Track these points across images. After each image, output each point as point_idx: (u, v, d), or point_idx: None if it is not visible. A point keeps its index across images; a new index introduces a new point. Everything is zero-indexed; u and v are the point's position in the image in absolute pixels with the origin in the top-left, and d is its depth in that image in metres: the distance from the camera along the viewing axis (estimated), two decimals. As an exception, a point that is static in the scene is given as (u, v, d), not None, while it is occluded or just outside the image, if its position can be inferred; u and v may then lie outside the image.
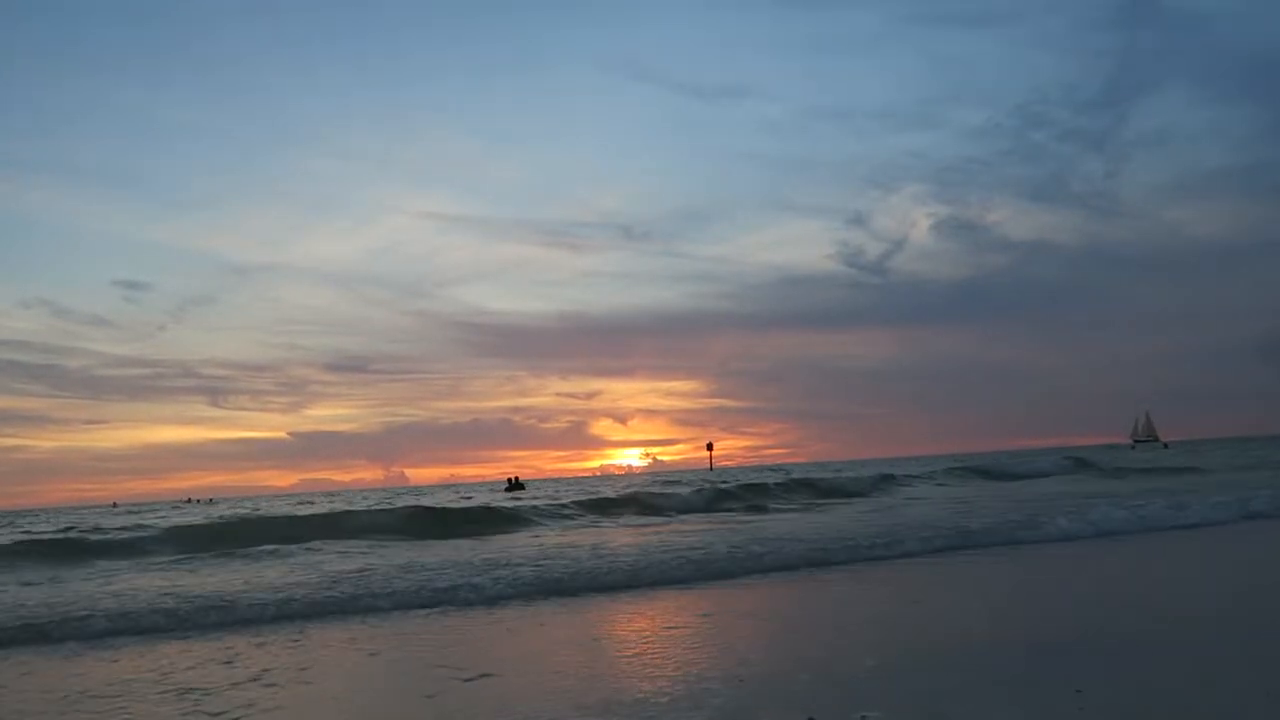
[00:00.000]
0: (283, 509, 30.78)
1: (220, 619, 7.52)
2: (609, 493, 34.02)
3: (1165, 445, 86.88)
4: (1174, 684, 4.10)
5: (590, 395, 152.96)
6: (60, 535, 19.02)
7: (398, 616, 7.40)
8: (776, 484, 28.21)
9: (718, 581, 8.51)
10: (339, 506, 28.65)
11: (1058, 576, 8.12)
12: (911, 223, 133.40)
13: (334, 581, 9.27)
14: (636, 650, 5.46)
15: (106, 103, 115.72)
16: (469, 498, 35.12)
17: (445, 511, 20.68)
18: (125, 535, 17.53)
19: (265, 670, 5.49)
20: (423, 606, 7.79)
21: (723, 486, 26.71)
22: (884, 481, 29.17)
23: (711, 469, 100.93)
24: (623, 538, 13.84)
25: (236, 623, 7.40)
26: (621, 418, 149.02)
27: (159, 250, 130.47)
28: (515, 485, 48.98)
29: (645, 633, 6.06)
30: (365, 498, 50.76)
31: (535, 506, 21.87)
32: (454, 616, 7.29)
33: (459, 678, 5.00)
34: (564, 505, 22.34)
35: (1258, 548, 9.70)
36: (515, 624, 6.73)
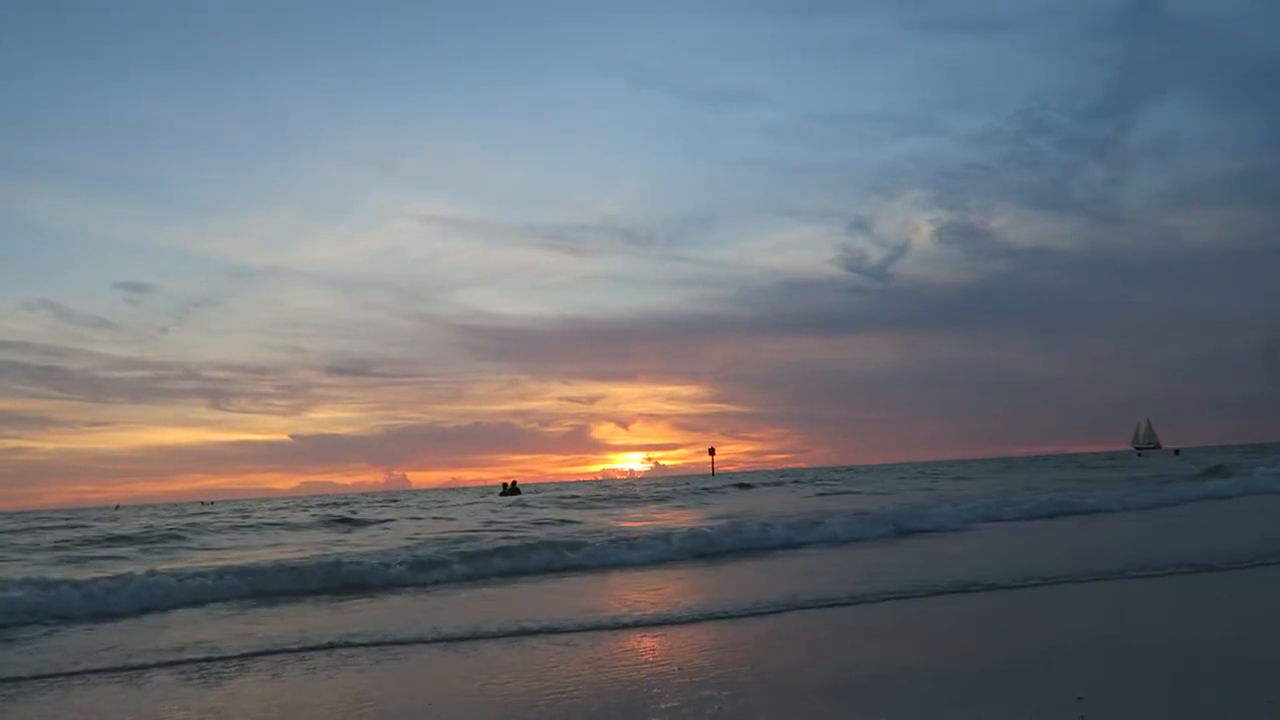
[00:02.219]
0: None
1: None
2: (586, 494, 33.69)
3: (1176, 452, 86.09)
4: (1175, 689, 4.01)
5: (592, 399, 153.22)
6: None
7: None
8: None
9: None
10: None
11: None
12: (913, 228, 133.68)
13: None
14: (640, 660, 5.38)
15: (111, 108, 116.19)
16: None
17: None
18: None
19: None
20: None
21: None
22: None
23: (714, 474, 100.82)
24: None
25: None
26: (623, 422, 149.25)
27: (162, 253, 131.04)
28: (511, 490, 48.74)
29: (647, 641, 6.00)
30: (351, 501, 50.48)
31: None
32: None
33: (454, 689, 4.92)
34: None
35: None
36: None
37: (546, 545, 11.59)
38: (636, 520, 19.74)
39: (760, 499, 29.29)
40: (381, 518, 25.61)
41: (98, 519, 38.11)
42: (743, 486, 43.51)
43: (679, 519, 19.59)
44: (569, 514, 23.15)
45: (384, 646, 6.06)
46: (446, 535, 16.01)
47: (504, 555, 10.93)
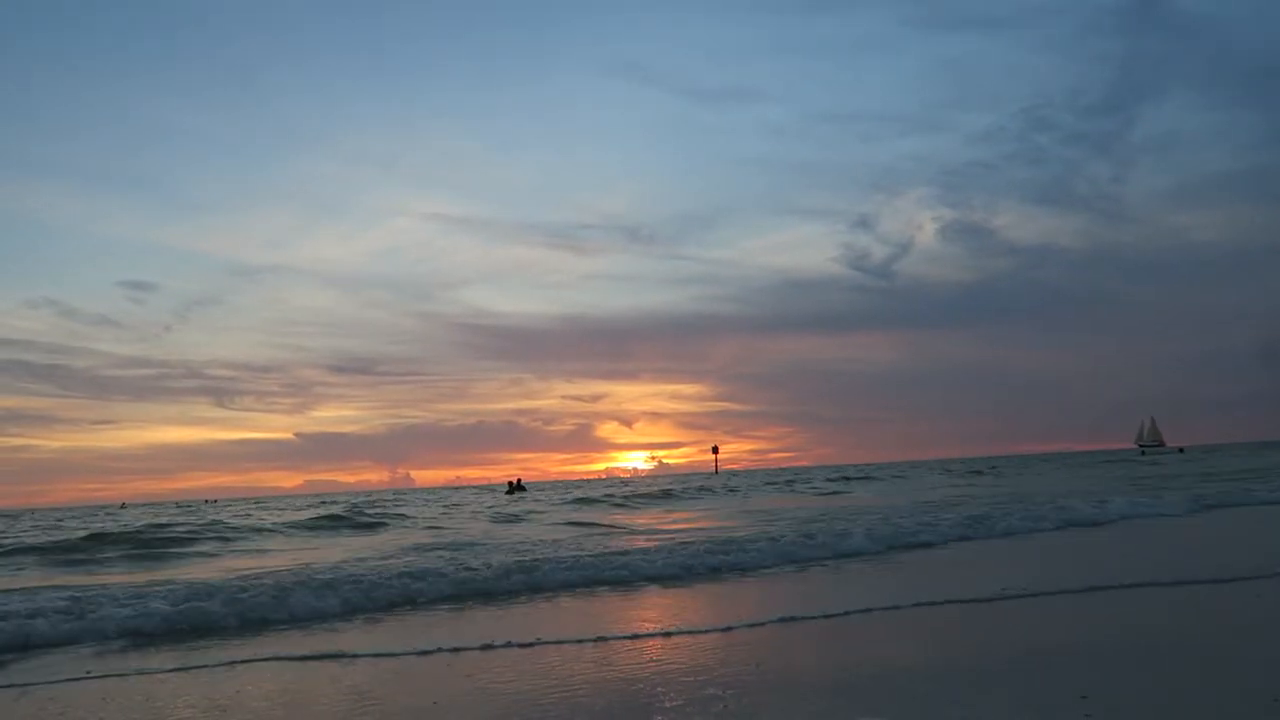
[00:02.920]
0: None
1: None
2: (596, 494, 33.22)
3: (1181, 450, 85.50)
4: (1181, 690, 4.01)
5: (595, 398, 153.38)
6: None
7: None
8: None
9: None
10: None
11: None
12: (917, 226, 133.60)
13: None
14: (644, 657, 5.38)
15: (113, 107, 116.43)
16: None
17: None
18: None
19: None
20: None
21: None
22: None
23: (717, 472, 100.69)
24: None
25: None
26: (627, 420, 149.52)
27: (165, 251, 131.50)
28: (517, 488, 48.71)
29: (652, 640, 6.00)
30: (372, 501, 50.24)
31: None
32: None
33: (458, 688, 4.93)
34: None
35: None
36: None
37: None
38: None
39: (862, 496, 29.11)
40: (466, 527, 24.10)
41: (112, 516, 38.16)
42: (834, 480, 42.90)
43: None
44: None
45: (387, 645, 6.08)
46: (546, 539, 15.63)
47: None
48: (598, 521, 19.73)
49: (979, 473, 45.24)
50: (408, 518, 23.38)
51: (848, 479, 42.28)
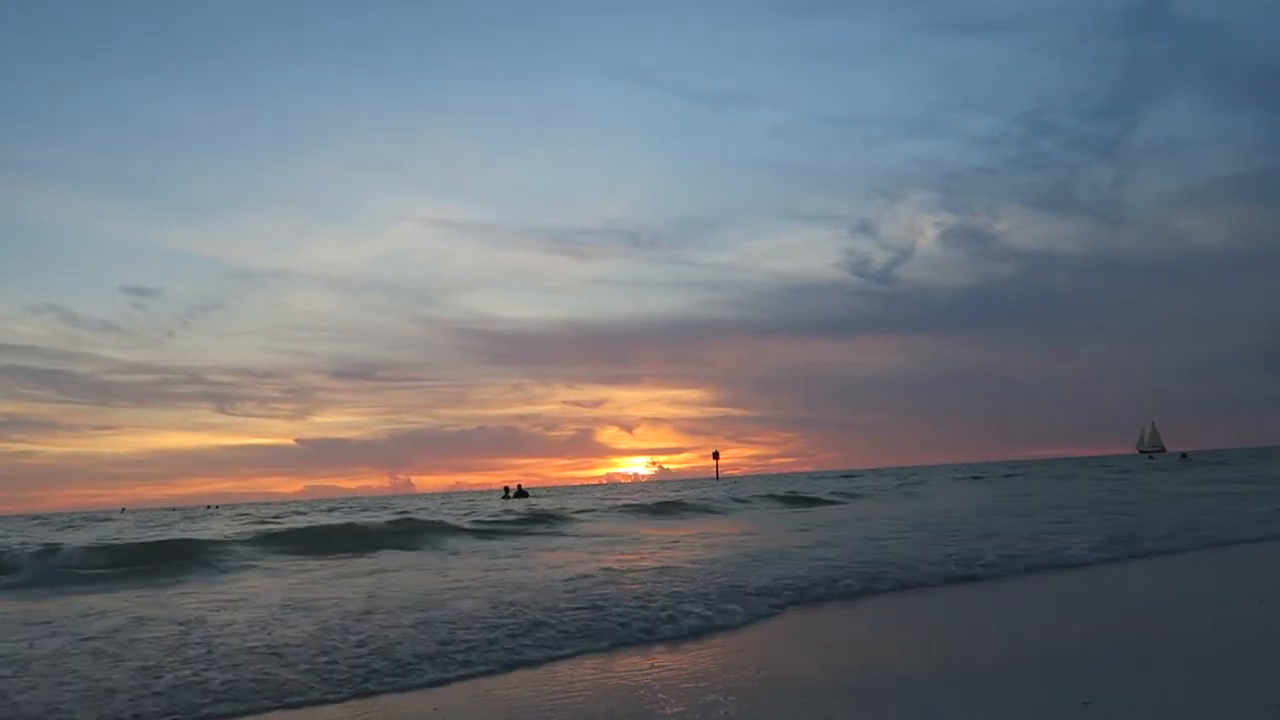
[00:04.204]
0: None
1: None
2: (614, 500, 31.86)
3: (1184, 456, 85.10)
4: (1184, 698, 3.99)
5: (597, 403, 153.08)
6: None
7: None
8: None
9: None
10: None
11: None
12: (918, 231, 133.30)
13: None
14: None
15: (116, 109, 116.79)
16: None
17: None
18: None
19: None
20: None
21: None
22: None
23: (718, 478, 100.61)
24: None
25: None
26: (628, 426, 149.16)
27: (167, 256, 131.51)
28: (518, 494, 48.51)
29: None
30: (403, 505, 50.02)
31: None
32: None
33: (460, 692, 4.91)
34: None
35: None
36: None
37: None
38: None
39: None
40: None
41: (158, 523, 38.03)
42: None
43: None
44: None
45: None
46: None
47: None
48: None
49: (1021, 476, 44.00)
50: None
51: (920, 483, 40.35)
